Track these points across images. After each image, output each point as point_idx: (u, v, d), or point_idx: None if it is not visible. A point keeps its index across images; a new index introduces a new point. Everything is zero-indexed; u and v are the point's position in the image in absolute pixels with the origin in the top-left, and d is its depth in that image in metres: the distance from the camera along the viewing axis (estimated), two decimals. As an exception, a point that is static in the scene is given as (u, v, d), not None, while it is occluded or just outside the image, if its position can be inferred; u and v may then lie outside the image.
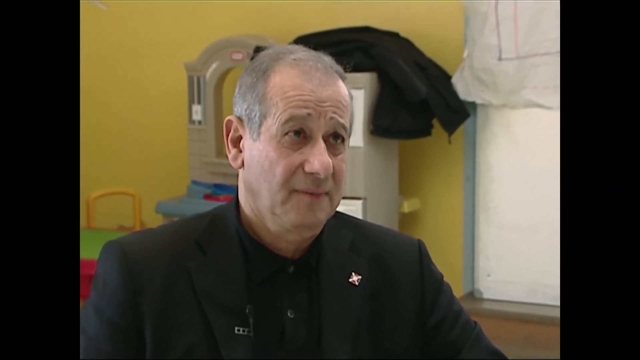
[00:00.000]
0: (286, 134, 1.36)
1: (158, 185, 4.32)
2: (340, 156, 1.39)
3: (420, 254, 1.52)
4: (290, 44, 3.91)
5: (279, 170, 1.36)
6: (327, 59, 1.42)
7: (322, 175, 1.35)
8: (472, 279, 3.92)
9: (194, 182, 4.02)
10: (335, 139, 1.39)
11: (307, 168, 1.35)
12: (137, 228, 4.29)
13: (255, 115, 1.39)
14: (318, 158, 1.35)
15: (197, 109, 4.03)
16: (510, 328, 3.71)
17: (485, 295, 3.93)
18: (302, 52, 1.43)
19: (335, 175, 1.38)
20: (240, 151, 1.42)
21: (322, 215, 1.38)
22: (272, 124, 1.37)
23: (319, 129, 1.37)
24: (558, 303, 3.82)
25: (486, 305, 3.84)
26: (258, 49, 3.73)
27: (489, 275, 3.95)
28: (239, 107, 1.42)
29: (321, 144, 1.36)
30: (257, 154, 1.38)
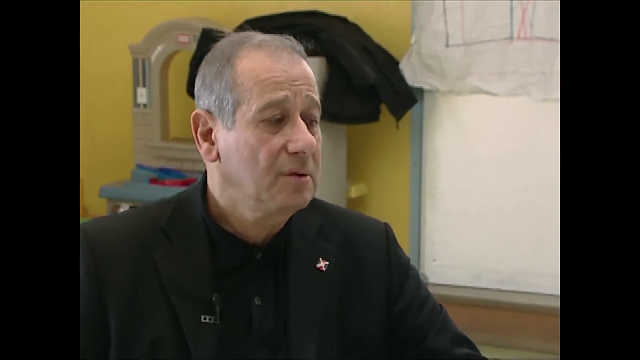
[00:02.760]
0: (264, 119, 1.34)
1: (102, 170, 4.25)
2: (316, 137, 1.37)
3: (387, 237, 1.52)
4: (237, 28, 3.87)
5: (262, 156, 1.33)
6: (289, 41, 1.40)
7: (307, 153, 1.34)
8: (418, 264, 3.95)
9: (139, 167, 3.97)
10: (311, 122, 1.37)
11: (292, 148, 1.33)
12: (80, 213, 4.23)
13: (227, 104, 1.36)
14: (301, 136, 1.33)
15: (142, 92, 3.97)
16: (456, 312, 3.72)
17: (431, 280, 3.97)
18: (263, 35, 1.40)
19: (314, 155, 1.36)
20: (213, 143, 1.39)
21: (308, 196, 1.37)
22: (248, 110, 1.34)
23: (297, 108, 1.35)
24: (501, 287, 3.89)
25: (432, 290, 3.78)
26: (205, 32, 3.69)
27: (434, 260, 3.99)
28: (206, 100, 1.38)
29: (301, 123, 1.35)
30: (234, 143, 1.35)
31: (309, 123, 1.37)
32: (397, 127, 3.76)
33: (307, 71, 1.38)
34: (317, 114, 1.38)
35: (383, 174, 3.97)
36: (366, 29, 3.83)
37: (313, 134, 1.37)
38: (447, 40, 3.75)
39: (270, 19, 3.77)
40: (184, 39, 3.87)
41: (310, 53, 4.06)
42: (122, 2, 4.23)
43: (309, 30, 3.68)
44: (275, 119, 1.34)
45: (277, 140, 1.34)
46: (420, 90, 3.83)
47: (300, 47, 1.41)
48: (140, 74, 3.96)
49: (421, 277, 3.92)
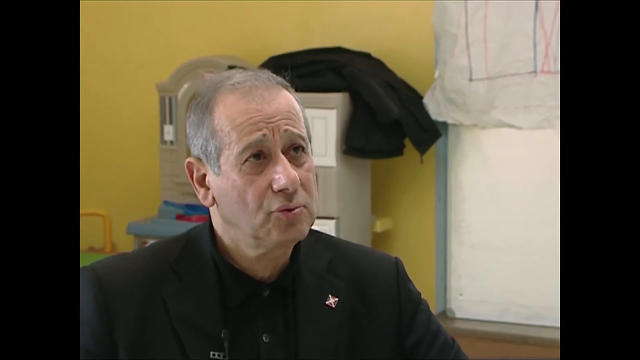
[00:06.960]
0: (245, 161, 1.36)
1: (129, 206, 4.29)
2: (305, 166, 1.39)
3: (397, 272, 1.52)
4: (262, 64, 3.90)
5: (250, 198, 1.36)
6: (264, 74, 1.42)
7: (290, 189, 1.35)
8: (444, 298, 3.93)
9: (166, 203, 4.00)
10: (296, 150, 1.39)
11: (275, 186, 1.36)
12: (108, 249, 4.26)
13: (211, 150, 1.39)
14: (283, 173, 1.35)
15: (168, 129, 4.02)
16: (483, 347, 3.72)
17: (458, 315, 3.94)
18: (238, 74, 1.42)
19: (304, 186, 1.38)
20: (208, 189, 1.42)
21: (305, 227, 1.39)
22: (230, 155, 1.37)
23: (276, 145, 1.37)
24: (529, 322, 3.85)
25: (458, 325, 3.85)
26: (231, 69, 3.72)
27: (461, 295, 3.96)
28: (195, 147, 1.42)
29: (283, 159, 1.37)
30: (223, 187, 1.38)
31: (296, 154, 1.39)
32: (422, 162, 3.77)
33: (285, 103, 1.39)
34: (303, 143, 1.39)
35: (408, 208, 3.96)
36: (390, 64, 3.85)
37: (302, 164, 1.39)
38: (471, 75, 3.76)
39: (294, 56, 3.80)
40: (210, 76, 3.92)
41: (334, 88, 4.07)
42: (148, 41, 4.29)
43: (333, 66, 3.71)
44: (257, 159, 1.36)
45: (262, 181, 1.36)
46: (445, 125, 3.84)
47: (278, 78, 1.42)
48: (167, 112, 4.00)
49: (447, 312, 3.92)
